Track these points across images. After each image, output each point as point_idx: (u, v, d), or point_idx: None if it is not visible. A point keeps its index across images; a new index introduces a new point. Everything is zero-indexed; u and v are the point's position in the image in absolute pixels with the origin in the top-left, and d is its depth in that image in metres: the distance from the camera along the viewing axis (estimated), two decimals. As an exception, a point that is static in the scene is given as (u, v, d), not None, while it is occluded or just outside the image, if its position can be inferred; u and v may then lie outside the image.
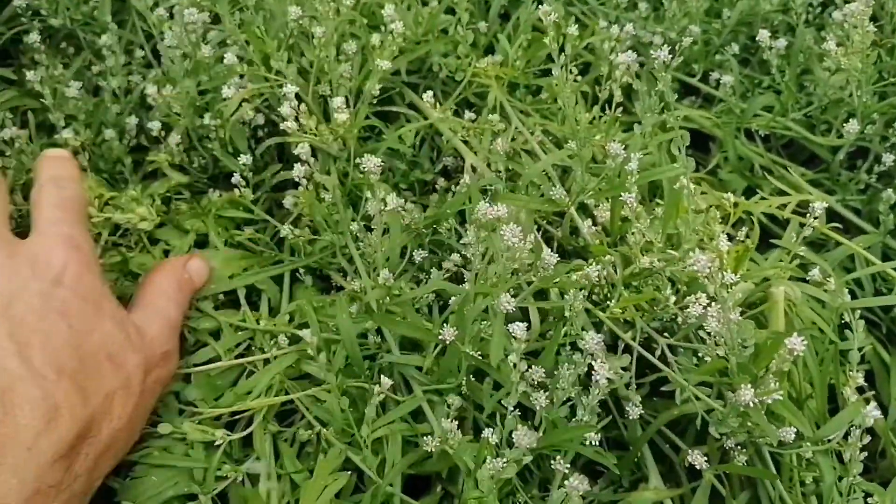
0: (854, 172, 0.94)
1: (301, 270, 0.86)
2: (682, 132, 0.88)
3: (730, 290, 0.64)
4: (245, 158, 0.86)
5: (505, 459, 0.63)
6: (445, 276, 0.82)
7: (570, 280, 0.68)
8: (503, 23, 1.03)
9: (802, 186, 0.91)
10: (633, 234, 0.73)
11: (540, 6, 0.79)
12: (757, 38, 0.93)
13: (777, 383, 0.60)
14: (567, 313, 0.69)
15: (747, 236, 0.79)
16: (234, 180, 0.87)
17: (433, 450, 0.68)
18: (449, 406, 0.70)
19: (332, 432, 0.72)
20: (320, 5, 0.83)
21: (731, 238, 0.83)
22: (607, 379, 0.63)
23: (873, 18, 1.03)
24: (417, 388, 0.74)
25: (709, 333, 0.63)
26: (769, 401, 0.60)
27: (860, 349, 0.71)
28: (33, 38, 0.96)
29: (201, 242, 0.90)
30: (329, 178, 0.82)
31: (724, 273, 0.64)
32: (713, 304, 0.63)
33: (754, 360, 0.63)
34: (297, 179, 0.81)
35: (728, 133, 0.95)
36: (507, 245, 0.63)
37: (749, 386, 0.59)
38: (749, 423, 0.63)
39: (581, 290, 0.70)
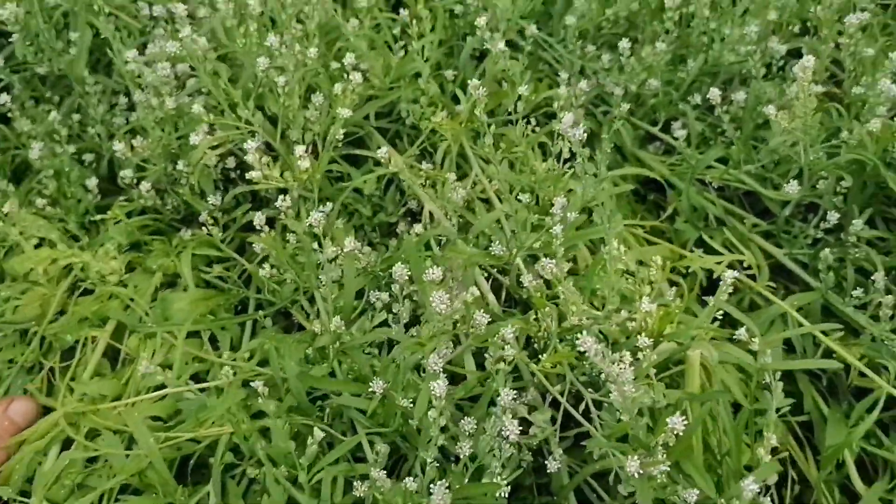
0: (805, 225, 0.96)
1: (261, 314, 0.91)
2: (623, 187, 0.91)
3: (644, 353, 0.68)
4: (213, 199, 0.91)
5: None
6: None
7: (494, 340, 0.72)
8: (479, 63, 1.07)
9: (751, 238, 0.94)
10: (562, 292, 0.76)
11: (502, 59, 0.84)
12: (708, 96, 0.95)
13: (665, 455, 0.64)
14: (490, 368, 0.73)
15: (681, 295, 0.82)
16: (201, 219, 0.92)
17: (363, 494, 0.72)
18: (377, 454, 0.74)
19: (279, 471, 0.76)
20: (283, 59, 0.87)
21: (674, 285, 0.86)
22: (523, 433, 0.67)
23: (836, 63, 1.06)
24: (361, 430, 0.78)
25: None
26: (655, 472, 0.63)
27: (778, 410, 0.73)
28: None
29: (170, 283, 0.95)
30: (294, 222, 0.85)
31: (639, 337, 0.68)
32: (623, 366, 0.66)
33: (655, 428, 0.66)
34: (258, 226, 0.86)
35: (685, 183, 0.97)
36: (436, 310, 0.67)
37: (635, 458, 0.62)
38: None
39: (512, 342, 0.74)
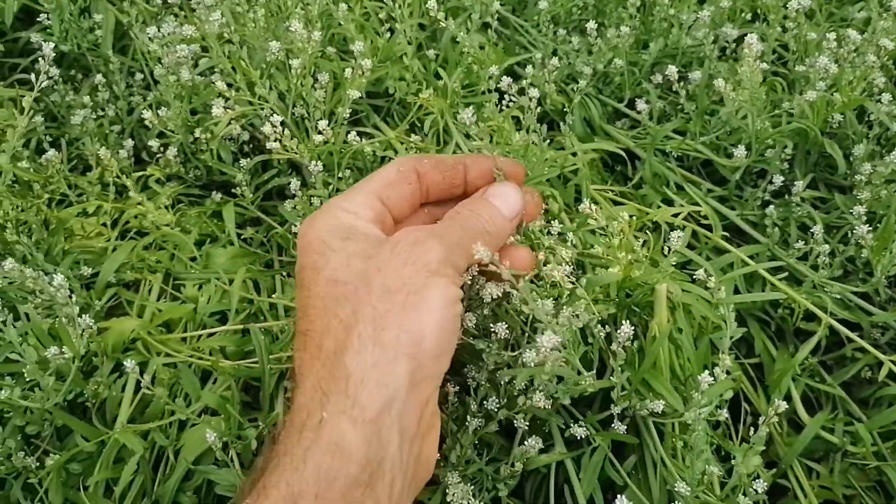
0: (755, 190, 1.09)
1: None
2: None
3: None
4: (245, 162, 1.04)
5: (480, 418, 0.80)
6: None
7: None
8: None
9: (705, 200, 1.06)
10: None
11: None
12: (666, 73, 1.07)
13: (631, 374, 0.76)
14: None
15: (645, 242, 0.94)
16: (237, 181, 1.05)
17: None
18: None
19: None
20: (299, 42, 0.97)
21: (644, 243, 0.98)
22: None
23: (784, 47, 1.19)
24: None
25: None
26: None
27: (731, 337, 0.84)
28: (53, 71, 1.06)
29: (201, 242, 1.06)
30: (319, 191, 0.99)
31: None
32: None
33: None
34: (294, 192, 1.00)
35: (649, 152, 1.09)
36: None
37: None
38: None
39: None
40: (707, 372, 0.76)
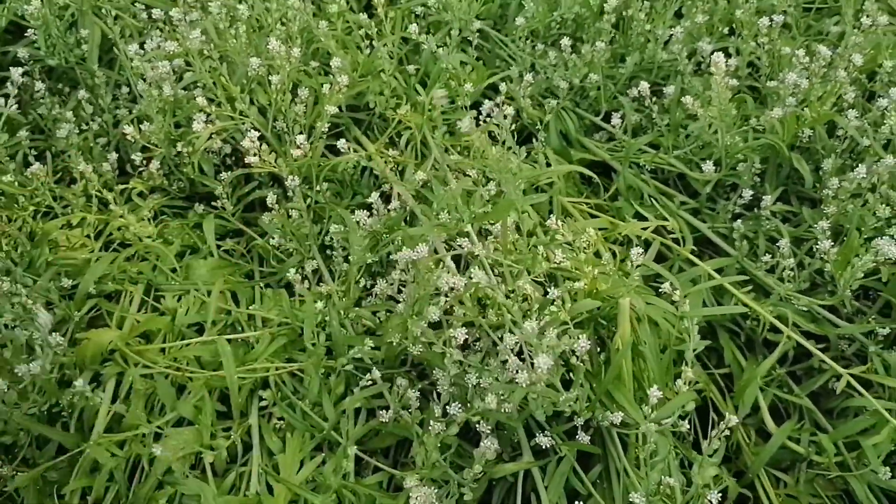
0: (727, 203, 1.11)
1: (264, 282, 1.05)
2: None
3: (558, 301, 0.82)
4: (225, 176, 1.06)
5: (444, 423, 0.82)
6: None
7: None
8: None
9: (676, 214, 1.08)
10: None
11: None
12: (638, 90, 1.09)
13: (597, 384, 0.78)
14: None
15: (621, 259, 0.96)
16: (217, 193, 1.07)
17: (388, 419, 0.87)
18: (399, 386, 0.88)
19: (306, 404, 0.91)
20: (277, 59, 1.00)
21: (615, 255, 1.00)
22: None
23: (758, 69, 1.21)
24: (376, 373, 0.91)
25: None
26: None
27: (695, 349, 0.87)
28: (39, 85, 1.11)
29: (181, 253, 1.08)
30: (297, 203, 1.01)
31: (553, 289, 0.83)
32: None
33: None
34: (270, 205, 1.02)
35: (623, 165, 1.11)
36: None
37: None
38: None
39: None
40: (656, 387, 0.77)
